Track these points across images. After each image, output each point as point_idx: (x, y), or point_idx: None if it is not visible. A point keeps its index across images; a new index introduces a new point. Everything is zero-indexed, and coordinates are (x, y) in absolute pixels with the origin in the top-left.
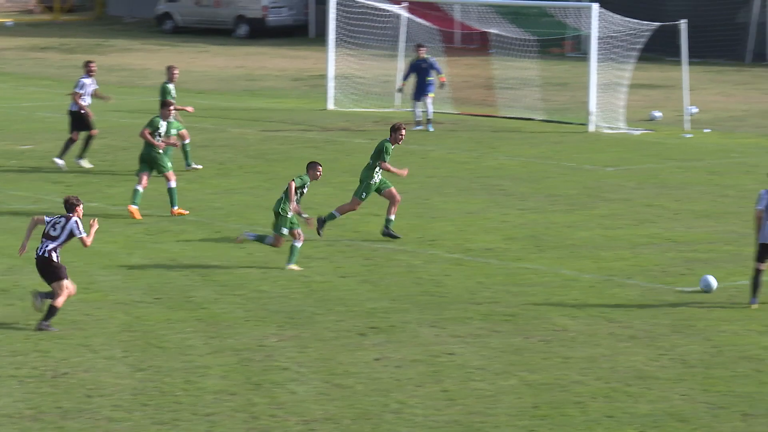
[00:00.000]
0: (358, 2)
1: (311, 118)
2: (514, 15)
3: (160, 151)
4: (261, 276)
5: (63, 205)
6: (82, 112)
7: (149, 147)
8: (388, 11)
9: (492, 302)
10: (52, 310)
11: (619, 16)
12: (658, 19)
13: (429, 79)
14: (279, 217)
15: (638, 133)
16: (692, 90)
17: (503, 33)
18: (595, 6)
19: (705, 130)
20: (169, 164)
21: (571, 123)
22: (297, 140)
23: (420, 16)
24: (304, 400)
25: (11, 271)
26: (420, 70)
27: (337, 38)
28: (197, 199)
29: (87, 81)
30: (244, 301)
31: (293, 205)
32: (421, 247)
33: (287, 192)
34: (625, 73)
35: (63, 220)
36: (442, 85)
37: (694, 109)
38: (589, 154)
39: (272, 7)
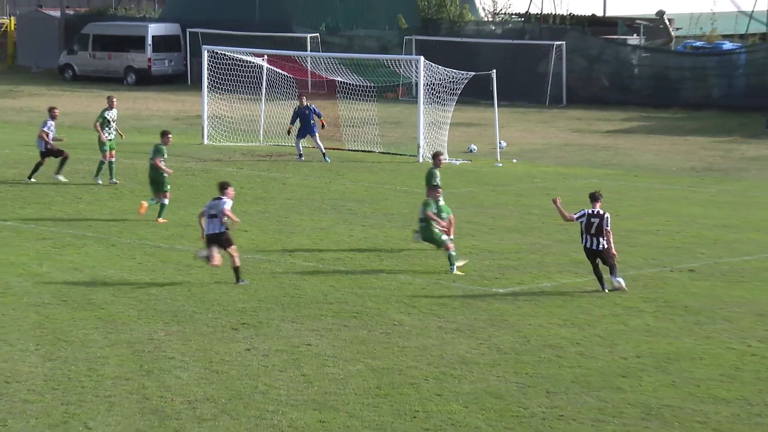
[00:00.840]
0: (227, 56)
1: (189, 151)
2: (355, 66)
3: (166, 175)
4: (150, 281)
5: (217, 187)
6: (49, 146)
7: (156, 171)
8: (251, 62)
9: (341, 302)
10: (237, 270)
11: (441, 67)
12: (474, 69)
13: (312, 122)
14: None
15: (459, 162)
16: (502, 127)
17: (347, 81)
18: (422, 59)
19: (513, 160)
20: (168, 186)
21: (404, 154)
22: (178, 169)
23: (278, 67)
24: (188, 383)
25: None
26: (303, 115)
27: (209, 85)
28: (95, 218)
29: (52, 123)
30: (136, 302)
31: None
32: (282, 257)
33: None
34: (447, 114)
35: (217, 202)
36: (322, 126)
37: (503, 144)
38: (419, 180)
39: (156, 60)
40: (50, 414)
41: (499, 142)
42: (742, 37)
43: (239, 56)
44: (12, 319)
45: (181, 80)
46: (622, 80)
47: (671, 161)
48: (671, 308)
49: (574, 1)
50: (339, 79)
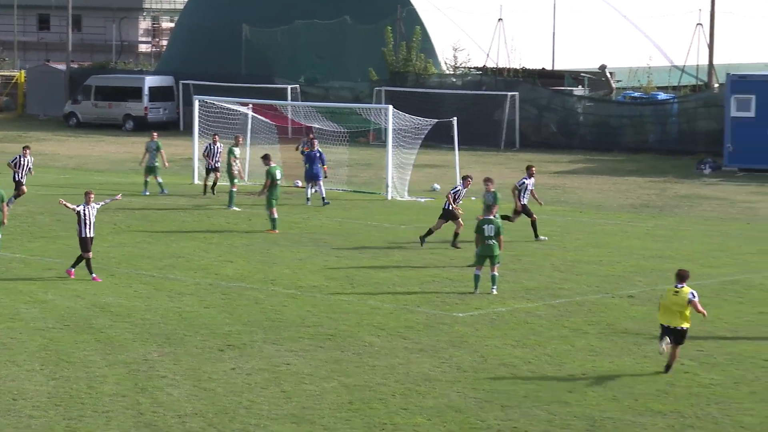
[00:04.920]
0: (215, 105)
1: (182, 189)
2: (331, 113)
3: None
4: (145, 307)
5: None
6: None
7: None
8: (238, 111)
9: (318, 325)
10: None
11: (408, 115)
12: (437, 117)
13: (319, 166)
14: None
15: (423, 200)
16: (462, 168)
17: (323, 127)
18: (391, 107)
19: (472, 198)
20: None
21: (374, 193)
22: (171, 206)
23: (261, 115)
24: (179, 399)
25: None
26: (312, 159)
27: (200, 130)
28: (96, 250)
29: (30, 159)
30: (132, 326)
31: None
32: (264, 285)
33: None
34: (412, 156)
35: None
36: (325, 174)
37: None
38: (388, 216)
39: (152, 108)
40: (53, 428)
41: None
42: (675, 88)
43: (226, 105)
44: (19, 342)
45: (174, 127)
46: (569, 127)
47: (612, 199)
48: (613, 330)
49: (525, 55)
50: (316, 125)
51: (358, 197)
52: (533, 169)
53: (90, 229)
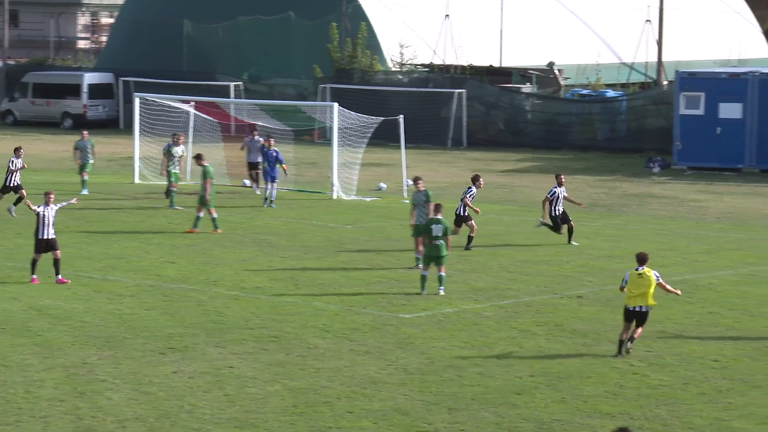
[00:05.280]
0: (156, 102)
1: (122, 189)
2: (275, 111)
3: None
4: (84, 310)
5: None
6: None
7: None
8: (179, 108)
9: (262, 327)
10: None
11: (354, 113)
12: (383, 115)
13: (275, 167)
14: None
15: (369, 199)
16: (409, 167)
17: (267, 125)
18: (336, 105)
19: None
20: None
21: (319, 192)
22: (111, 206)
23: (204, 113)
24: (119, 404)
25: None
26: (269, 157)
27: (140, 129)
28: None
29: (18, 161)
30: (71, 329)
31: None
32: (207, 286)
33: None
34: (358, 155)
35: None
36: (285, 173)
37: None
38: (333, 216)
39: (91, 106)
40: None
41: (406, 181)
42: (623, 86)
43: (168, 103)
44: None
45: (114, 125)
46: (517, 124)
47: None
48: (561, 331)
49: (473, 52)
50: (260, 123)
51: (303, 197)
52: (562, 177)
53: (48, 230)
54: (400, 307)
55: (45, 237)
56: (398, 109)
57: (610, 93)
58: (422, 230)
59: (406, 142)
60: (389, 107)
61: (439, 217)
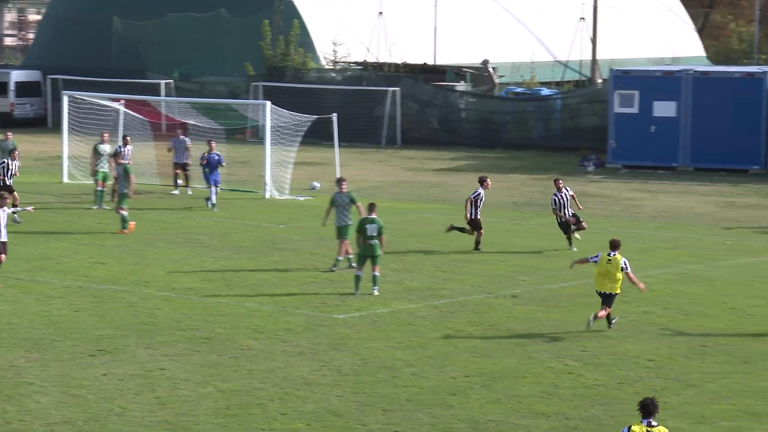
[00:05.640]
0: (85, 101)
1: (50, 189)
2: (207, 110)
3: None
4: (11, 312)
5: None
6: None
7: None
8: (109, 107)
9: (193, 329)
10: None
11: (287, 111)
12: (317, 113)
13: (217, 170)
14: None
15: (302, 199)
16: (342, 166)
17: (199, 123)
18: (268, 103)
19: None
20: None
21: (251, 191)
22: (39, 206)
23: (134, 111)
24: (47, 407)
25: None
26: (212, 161)
27: (69, 127)
28: None
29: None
30: None
31: None
32: (137, 287)
33: None
34: (291, 154)
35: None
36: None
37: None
38: (266, 215)
39: (18, 104)
40: None
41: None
42: (558, 84)
43: (97, 101)
44: None
45: (42, 123)
46: (451, 123)
47: (496, 196)
48: (496, 331)
49: (407, 50)
50: (191, 122)
51: (235, 196)
52: (560, 182)
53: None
54: (333, 308)
55: None
56: (332, 107)
57: (545, 91)
58: (357, 229)
59: (339, 140)
60: (323, 105)
61: (374, 216)
